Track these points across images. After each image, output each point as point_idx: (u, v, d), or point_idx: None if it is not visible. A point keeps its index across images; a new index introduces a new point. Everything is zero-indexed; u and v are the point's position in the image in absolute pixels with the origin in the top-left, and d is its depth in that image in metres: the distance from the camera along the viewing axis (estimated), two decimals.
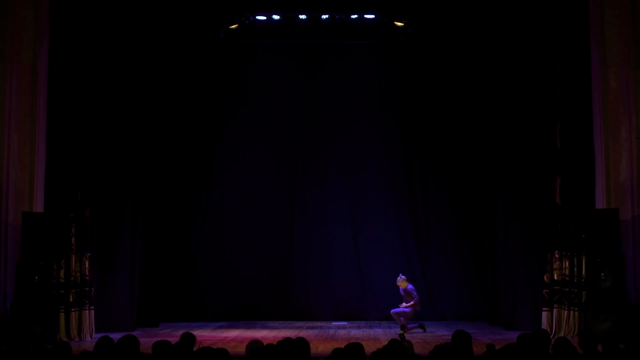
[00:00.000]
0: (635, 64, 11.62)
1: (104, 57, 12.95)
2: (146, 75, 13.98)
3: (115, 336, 6.75)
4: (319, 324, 14.48)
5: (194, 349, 6.89)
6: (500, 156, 13.73)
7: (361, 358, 5.74)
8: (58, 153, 12.15)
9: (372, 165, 15.66)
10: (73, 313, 12.00)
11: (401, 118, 15.62)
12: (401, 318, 12.76)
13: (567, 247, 12.08)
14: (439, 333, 12.77)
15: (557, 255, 12.21)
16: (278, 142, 15.72)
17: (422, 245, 15.45)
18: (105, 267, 13.08)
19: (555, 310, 12.10)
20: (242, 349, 7.13)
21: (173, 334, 11.86)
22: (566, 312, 11.98)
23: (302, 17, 14.12)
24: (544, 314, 12.26)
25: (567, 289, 12.00)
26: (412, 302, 12.70)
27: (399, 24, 14.12)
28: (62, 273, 11.94)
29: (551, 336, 11.34)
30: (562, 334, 11.74)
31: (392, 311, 12.93)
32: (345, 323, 14.62)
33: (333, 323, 14.64)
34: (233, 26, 14.12)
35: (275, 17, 14.10)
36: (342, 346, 5.88)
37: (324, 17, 14.12)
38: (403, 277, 12.92)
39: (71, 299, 12.00)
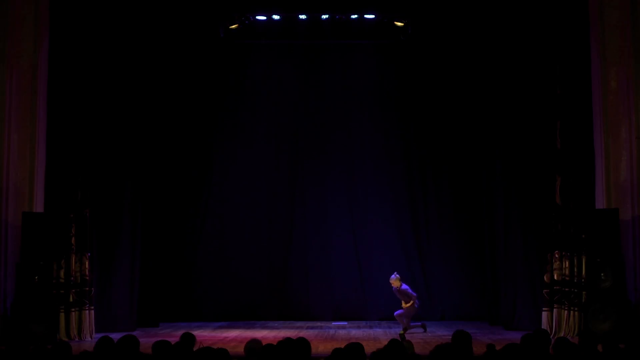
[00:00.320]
0: (635, 64, 11.62)
1: (104, 57, 12.95)
2: (146, 75, 13.98)
3: (115, 336, 6.76)
4: (319, 324, 14.48)
5: (194, 349, 6.89)
6: (500, 156, 13.73)
7: (361, 358, 5.74)
8: (58, 153, 12.15)
9: (372, 165, 15.66)
10: (73, 313, 12.01)
11: (401, 118, 15.62)
12: (404, 319, 12.74)
13: (567, 247, 12.09)
14: (439, 333, 12.77)
15: (557, 255, 12.21)
16: (278, 142, 15.72)
17: (422, 245, 15.45)
18: (105, 267, 13.09)
19: (555, 310, 12.10)
20: (242, 349, 7.13)
21: (173, 334, 11.86)
22: (566, 312, 11.98)
23: (302, 17, 14.12)
24: (544, 314, 12.26)
25: (567, 289, 12.00)
26: (411, 301, 12.68)
27: (399, 24, 14.12)
28: (62, 273, 11.94)
29: (551, 336, 11.34)
30: (562, 334, 11.73)
31: (395, 313, 12.90)
32: (345, 323, 14.62)
33: (333, 323, 14.64)
34: (233, 26, 14.12)
35: (275, 17, 14.10)
36: (342, 346, 5.88)
37: (324, 17, 14.12)
38: (397, 276, 12.83)
39: (71, 299, 12.01)
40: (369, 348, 6.28)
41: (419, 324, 13.02)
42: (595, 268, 11.31)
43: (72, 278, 12.07)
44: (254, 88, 15.66)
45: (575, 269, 11.94)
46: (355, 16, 14.06)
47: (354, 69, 15.73)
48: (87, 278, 12.23)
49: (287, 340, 6.28)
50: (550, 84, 12.59)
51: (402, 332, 12.32)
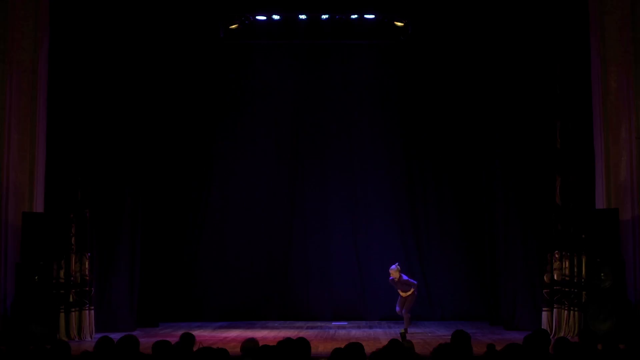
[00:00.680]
0: (635, 64, 11.60)
1: (104, 57, 12.95)
2: (146, 75, 13.98)
3: (115, 336, 6.75)
4: (319, 324, 14.47)
5: (194, 349, 6.89)
6: (500, 156, 13.73)
7: (361, 358, 5.74)
8: (58, 153, 12.15)
9: (371, 164, 15.67)
10: (73, 313, 12.01)
11: (401, 118, 15.62)
12: (409, 314, 12.81)
13: (567, 247, 12.09)
14: (439, 333, 12.77)
15: (557, 255, 12.21)
16: (278, 142, 15.72)
17: (422, 245, 15.45)
18: (105, 267, 13.09)
19: (555, 310, 12.10)
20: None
21: (173, 334, 11.85)
22: (566, 312, 11.99)
23: (302, 17, 14.11)
24: (544, 314, 12.27)
25: (567, 289, 12.01)
26: (412, 290, 12.77)
27: (399, 24, 14.12)
28: (62, 273, 11.95)
29: (551, 336, 11.35)
30: (562, 334, 11.74)
31: (403, 312, 12.91)
32: (345, 323, 14.62)
33: (333, 323, 14.64)
34: (233, 26, 14.11)
35: (275, 17, 14.09)
36: (342, 346, 5.88)
37: (324, 17, 14.11)
38: (398, 266, 12.94)
39: (71, 299, 12.02)
40: (369, 348, 6.28)
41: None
42: (595, 268, 11.30)
43: (72, 278, 12.07)
44: (254, 88, 15.65)
45: (575, 269, 11.94)
46: (355, 16, 14.05)
47: (354, 69, 15.72)
48: (87, 278, 12.24)
49: (287, 340, 6.29)
50: (550, 84, 12.59)
51: (403, 330, 12.32)
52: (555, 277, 12.19)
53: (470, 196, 15.12)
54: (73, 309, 12.02)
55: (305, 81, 15.70)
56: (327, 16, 14.09)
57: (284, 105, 15.71)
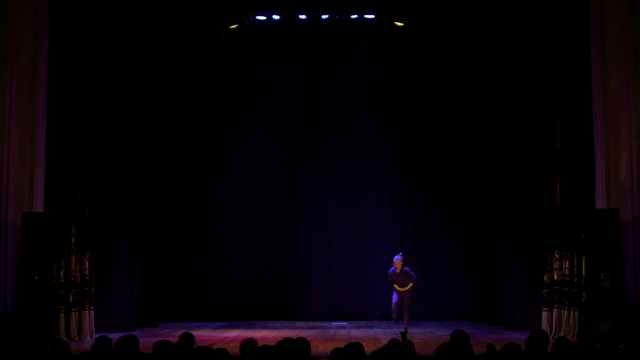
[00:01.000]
0: (635, 64, 11.60)
1: (104, 57, 12.95)
2: (146, 75, 13.98)
3: (115, 336, 6.76)
4: (319, 324, 14.47)
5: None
6: (500, 156, 13.73)
7: (361, 358, 5.74)
8: (58, 153, 12.15)
9: (371, 164, 15.67)
10: (73, 313, 12.01)
11: (401, 118, 15.62)
12: (409, 311, 12.86)
13: (567, 247, 12.09)
14: (439, 333, 12.77)
15: (557, 255, 12.21)
16: (278, 142, 15.72)
17: (422, 245, 15.45)
18: (105, 267, 13.08)
19: (555, 310, 12.10)
20: None
21: (173, 334, 11.85)
22: (566, 312, 11.99)
23: (302, 17, 14.11)
24: (544, 314, 12.26)
25: (567, 289, 12.01)
26: (411, 284, 12.82)
27: (399, 24, 14.11)
28: (62, 273, 11.94)
29: (551, 336, 11.36)
30: (562, 334, 11.74)
31: (399, 310, 12.94)
32: (345, 323, 14.62)
33: (333, 323, 14.64)
34: (233, 26, 14.11)
35: (275, 17, 14.09)
36: (342, 346, 5.88)
37: (324, 17, 14.11)
38: (402, 256, 13.01)
39: (71, 299, 12.01)
40: (369, 348, 6.28)
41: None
42: (595, 268, 11.30)
43: (72, 278, 12.07)
44: (254, 88, 15.65)
45: (575, 269, 11.94)
46: (355, 16, 14.05)
47: (354, 69, 15.73)
48: (87, 278, 12.23)
49: (287, 340, 6.28)
50: (550, 84, 12.59)
51: (403, 330, 12.30)
52: (555, 277, 12.19)
53: (470, 196, 15.12)
54: (73, 309, 12.01)
55: (305, 81, 15.70)
56: (327, 16, 14.09)
57: (284, 106, 15.71)
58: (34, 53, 11.82)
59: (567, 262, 12.05)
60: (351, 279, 15.45)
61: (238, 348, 7.03)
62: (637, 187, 11.41)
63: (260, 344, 6.63)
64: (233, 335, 12.46)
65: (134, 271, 13.45)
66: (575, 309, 11.85)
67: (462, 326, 12.83)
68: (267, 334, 12.49)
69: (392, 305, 13.17)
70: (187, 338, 7.03)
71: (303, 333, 12.68)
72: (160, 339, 6.73)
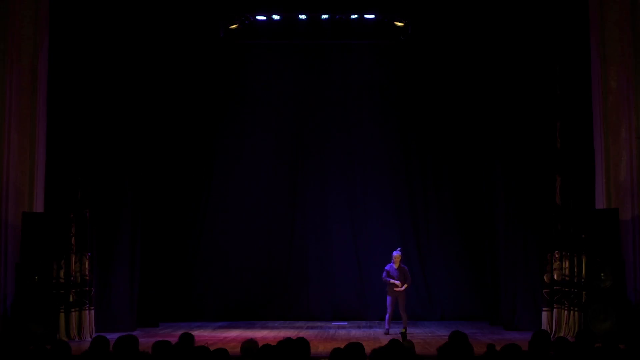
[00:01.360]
0: (635, 64, 11.61)
1: (104, 57, 12.95)
2: (146, 75, 13.98)
3: (115, 336, 6.75)
4: (319, 324, 14.48)
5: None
6: (500, 156, 13.74)
7: (361, 358, 5.74)
8: (58, 153, 12.15)
9: (372, 164, 15.67)
10: (73, 313, 12.02)
11: (401, 118, 15.63)
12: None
13: (567, 247, 12.09)
14: (439, 333, 12.77)
15: (557, 256, 12.22)
16: (278, 142, 15.73)
17: (422, 245, 15.45)
18: (105, 267, 13.09)
19: (555, 310, 12.11)
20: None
21: (173, 334, 11.85)
22: (566, 312, 11.99)
23: (302, 17, 14.11)
24: (544, 314, 12.27)
25: (567, 289, 12.01)
26: (407, 284, 12.80)
27: (399, 24, 14.11)
28: (62, 273, 11.95)
29: (551, 336, 11.34)
30: (562, 334, 11.74)
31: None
32: (345, 323, 14.62)
33: (333, 323, 14.64)
34: (233, 26, 14.11)
35: (275, 17, 14.09)
36: (342, 346, 5.88)
37: (324, 17, 14.10)
38: (400, 252, 13.01)
39: (71, 299, 12.02)
40: (369, 348, 6.27)
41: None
42: (595, 268, 11.31)
43: (72, 278, 12.07)
44: (254, 88, 15.66)
45: (575, 269, 11.94)
46: (355, 16, 14.05)
47: (354, 69, 15.73)
48: (87, 278, 12.24)
49: (287, 340, 6.28)
50: (550, 84, 12.59)
51: (403, 330, 12.28)
52: (555, 277, 12.19)
53: (470, 196, 15.12)
54: (73, 309, 12.02)
55: (305, 81, 15.71)
56: (327, 16, 14.09)
57: (284, 105, 15.71)
58: (34, 53, 11.84)
59: (567, 262, 12.05)
60: (351, 279, 15.46)
61: (238, 348, 7.03)
62: (637, 187, 11.42)
63: (260, 344, 6.62)
64: (233, 335, 12.46)
65: (134, 271, 13.45)
66: (575, 309, 11.85)
67: (462, 326, 12.85)
68: (267, 334, 12.49)
69: (387, 316, 12.93)
70: (187, 338, 7.03)
71: (303, 333, 12.68)
72: (160, 339, 6.72)
